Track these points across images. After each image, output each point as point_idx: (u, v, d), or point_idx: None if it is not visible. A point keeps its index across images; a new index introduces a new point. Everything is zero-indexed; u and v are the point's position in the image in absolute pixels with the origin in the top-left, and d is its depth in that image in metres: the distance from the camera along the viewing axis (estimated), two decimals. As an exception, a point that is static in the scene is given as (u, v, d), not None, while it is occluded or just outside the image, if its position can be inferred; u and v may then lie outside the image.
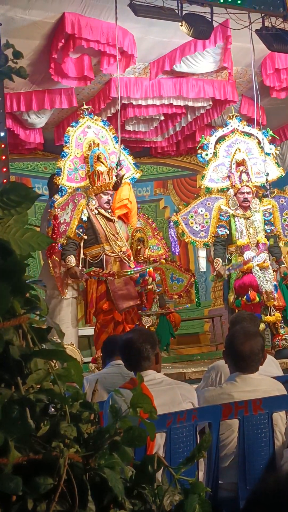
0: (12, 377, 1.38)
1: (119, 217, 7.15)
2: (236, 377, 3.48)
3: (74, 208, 6.84)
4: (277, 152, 8.09)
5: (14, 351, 1.38)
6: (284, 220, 7.77)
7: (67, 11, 6.84)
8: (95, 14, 6.98)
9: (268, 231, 7.58)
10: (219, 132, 7.89)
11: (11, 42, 1.94)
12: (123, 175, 7.02)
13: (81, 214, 6.80)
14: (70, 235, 6.76)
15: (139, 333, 3.45)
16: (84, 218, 6.81)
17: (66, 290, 6.96)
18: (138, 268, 7.05)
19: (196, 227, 7.65)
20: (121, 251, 6.82)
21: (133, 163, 7.43)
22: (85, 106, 7.35)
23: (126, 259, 6.80)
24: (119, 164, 7.02)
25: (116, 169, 7.03)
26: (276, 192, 7.85)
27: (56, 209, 6.84)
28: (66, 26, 6.82)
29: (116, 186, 7.05)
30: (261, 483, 1.21)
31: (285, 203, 7.79)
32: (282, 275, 7.68)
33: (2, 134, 5.68)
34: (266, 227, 7.56)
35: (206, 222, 7.65)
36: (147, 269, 6.91)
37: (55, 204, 6.87)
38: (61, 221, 6.83)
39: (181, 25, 6.76)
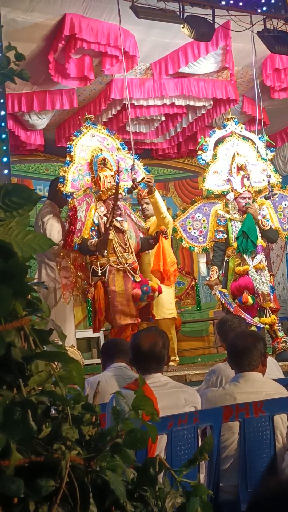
0: (13, 379, 1.38)
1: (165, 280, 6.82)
2: (239, 378, 3.48)
3: (87, 209, 6.69)
4: (273, 156, 8.08)
5: (16, 353, 1.38)
6: (280, 215, 7.79)
7: (69, 12, 6.85)
8: (96, 15, 6.99)
9: (268, 221, 7.54)
10: (218, 134, 7.87)
11: (13, 44, 1.93)
12: (142, 179, 6.80)
13: (94, 217, 6.65)
14: (85, 236, 6.57)
15: (159, 336, 3.37)
16: (96, 222, 6.64)
17: (70, 298, 6.89)
18: None
19: (194, 233, 7.65)
20: (126, 263, 6.61)
21: (144, 168, 7.26)
22: (87, 116, 7.23)
23: (132, 272, 6.62)
24: (132, 168, 6.93)
25: (131, 173, 6.95)
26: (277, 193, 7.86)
27: (74, 200, 6.64)
28: (68, 27, 6.83)
29: (131, 191, 6.95)
30: (263, 487, 1.21)
31: (276, 199, 7.81)
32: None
33: (4, 136, 5.68)
34: (263, 221, 7.50)
35: (204, 227, 7.65)
36: (151, 286, 6.72)
37: (74, 195, 6.67)
38: (77, 217, 6.64)
39: (183, 27, 6.76)
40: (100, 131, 7.12)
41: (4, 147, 5.64)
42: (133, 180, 6.81)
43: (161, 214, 7.03)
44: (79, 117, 7.25)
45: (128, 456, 1.40)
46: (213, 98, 8.83)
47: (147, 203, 7.32)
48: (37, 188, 10.09)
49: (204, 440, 1.53)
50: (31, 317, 1.43)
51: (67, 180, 6.77)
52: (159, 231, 6.78)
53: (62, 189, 6.74)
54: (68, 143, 6.97)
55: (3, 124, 5.73)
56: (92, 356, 9.64)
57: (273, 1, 7.10)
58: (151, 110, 8.87)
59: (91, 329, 9.31)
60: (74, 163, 6.82)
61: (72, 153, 6.85)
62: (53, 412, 1.41)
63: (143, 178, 6.80)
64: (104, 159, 6.84)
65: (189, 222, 7.67)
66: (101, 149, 6.95)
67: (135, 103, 8.54)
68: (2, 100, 5.76)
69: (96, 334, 9.43)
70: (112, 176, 6.79)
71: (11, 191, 1.50)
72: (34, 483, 1.26)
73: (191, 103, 8.91)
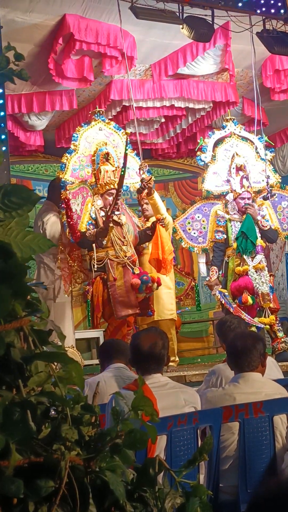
0: (13, 380, 1.38)
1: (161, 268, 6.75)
2: (238, 378, 3.49)
3: (83, 203, 6.66)
4: (272, 157, 8.08)
5: (15, 354, 1.38)
6: (279, 215, 7.79)
7: (68, 13, 6.85)
8: (96, 16, 6.98)
9: (267, 221, 7.54)
10: (217, 135, 7.88)
11: (12, 44, 1.93)
12: (149, 180, 6.71)
13: (90, 211, 6.63)
14: (81, 229, 6.53)
15: (159, 336, 3.38)
16: (93, 216, 6.63)
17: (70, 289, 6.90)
18: None
19: (194, 233, 7.65)
20: (125, 256, 6.60)
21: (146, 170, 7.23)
22: (98, 109, 7.26)
23: (131, 264, 6.61)
24: (141, 168, 6.89)
25: (139, 173, 6.92)
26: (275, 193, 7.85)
27: (67, 192, 6.59)
28: (67, 28, 6.83)
29: (140, 191, 6.91)
30: (262, 487, 1.21)
31: (276, 199, 7.81)
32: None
33: (3, 136, 5.68)
34: (263, 221, 7.49)
35: (204, 228, 7.66)
36: (150, 276, 6.71)
37: (67, 186, 6.62)
38: (73, 210, 6.59)
39: (182, 28, 6.76)
40: (108, 126, 7.13)
41: (4, 148, 5.64)
42: (142, 180, 6.79)
43: (160, 215, 7.03)
44: (92, 115, 7.22)
45: (127, 456, 1.40)
46: (212, 101, 8.83)
47: (147, 204, 7.31)
48: (37, 189, 10.09)
49: (204, 441, 1.53)
50: (30, 318, 1.43)
51: (68, 168, 6.75)
52: (156, 220, 6.77)
53: (61, 176, 6.69)
54: (74, 132, 6.97)
55: (2, 125, 5.73)
56: (91, 357, 9.62)
57: (272, 2, 7.10)
58: (151, 112, 8.86)
59: (91, 330, 9.32)
60: (77, 152, 6.81)
61: (76, 143, 6.84)
62: (53, 412, 1.41)
63: (150, 178, 6.80)
64: (108, 154, 6.83)
65: (189, 223, 7.68)
66: (106, 143, 6.95)
67: (135, 105, 8.53)
68: (1, 101, 5.75)
69: (96, 335, 9.44)
70: (113, 171, 6.78)
71: (11, 191, 1.50)
72: (33, 484, 1.26)
73: (191, 105, 8.90)
